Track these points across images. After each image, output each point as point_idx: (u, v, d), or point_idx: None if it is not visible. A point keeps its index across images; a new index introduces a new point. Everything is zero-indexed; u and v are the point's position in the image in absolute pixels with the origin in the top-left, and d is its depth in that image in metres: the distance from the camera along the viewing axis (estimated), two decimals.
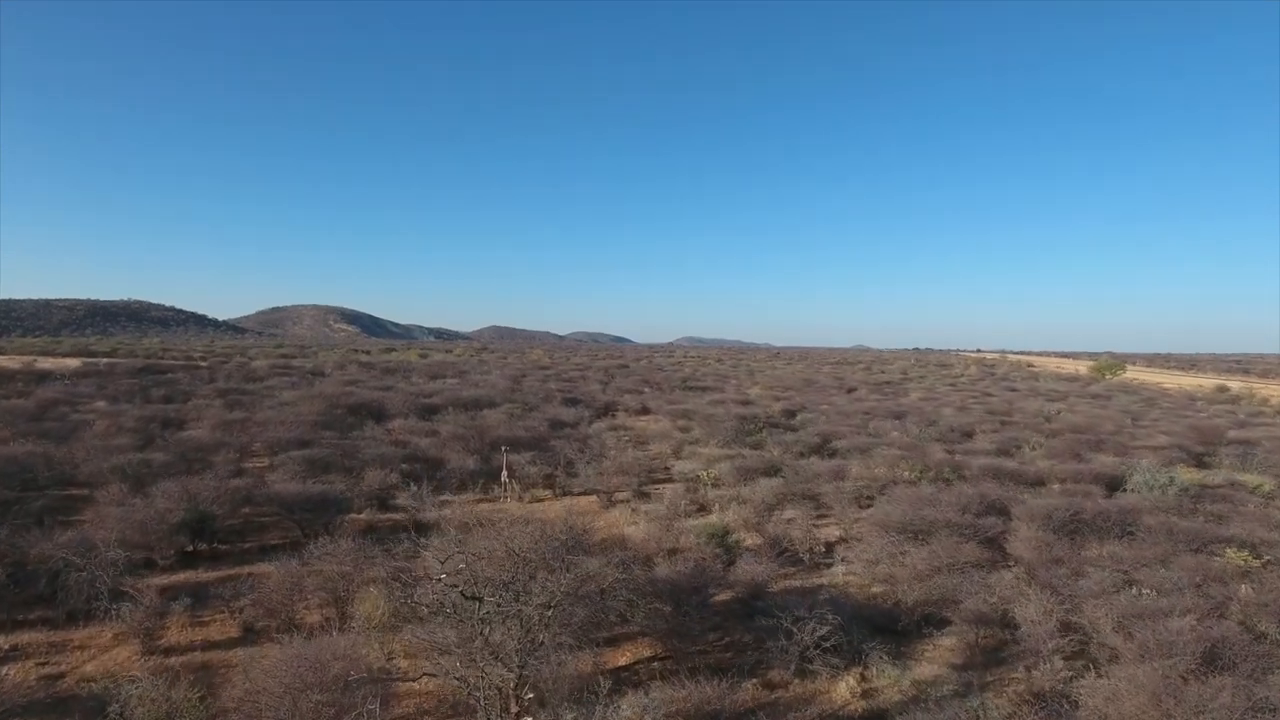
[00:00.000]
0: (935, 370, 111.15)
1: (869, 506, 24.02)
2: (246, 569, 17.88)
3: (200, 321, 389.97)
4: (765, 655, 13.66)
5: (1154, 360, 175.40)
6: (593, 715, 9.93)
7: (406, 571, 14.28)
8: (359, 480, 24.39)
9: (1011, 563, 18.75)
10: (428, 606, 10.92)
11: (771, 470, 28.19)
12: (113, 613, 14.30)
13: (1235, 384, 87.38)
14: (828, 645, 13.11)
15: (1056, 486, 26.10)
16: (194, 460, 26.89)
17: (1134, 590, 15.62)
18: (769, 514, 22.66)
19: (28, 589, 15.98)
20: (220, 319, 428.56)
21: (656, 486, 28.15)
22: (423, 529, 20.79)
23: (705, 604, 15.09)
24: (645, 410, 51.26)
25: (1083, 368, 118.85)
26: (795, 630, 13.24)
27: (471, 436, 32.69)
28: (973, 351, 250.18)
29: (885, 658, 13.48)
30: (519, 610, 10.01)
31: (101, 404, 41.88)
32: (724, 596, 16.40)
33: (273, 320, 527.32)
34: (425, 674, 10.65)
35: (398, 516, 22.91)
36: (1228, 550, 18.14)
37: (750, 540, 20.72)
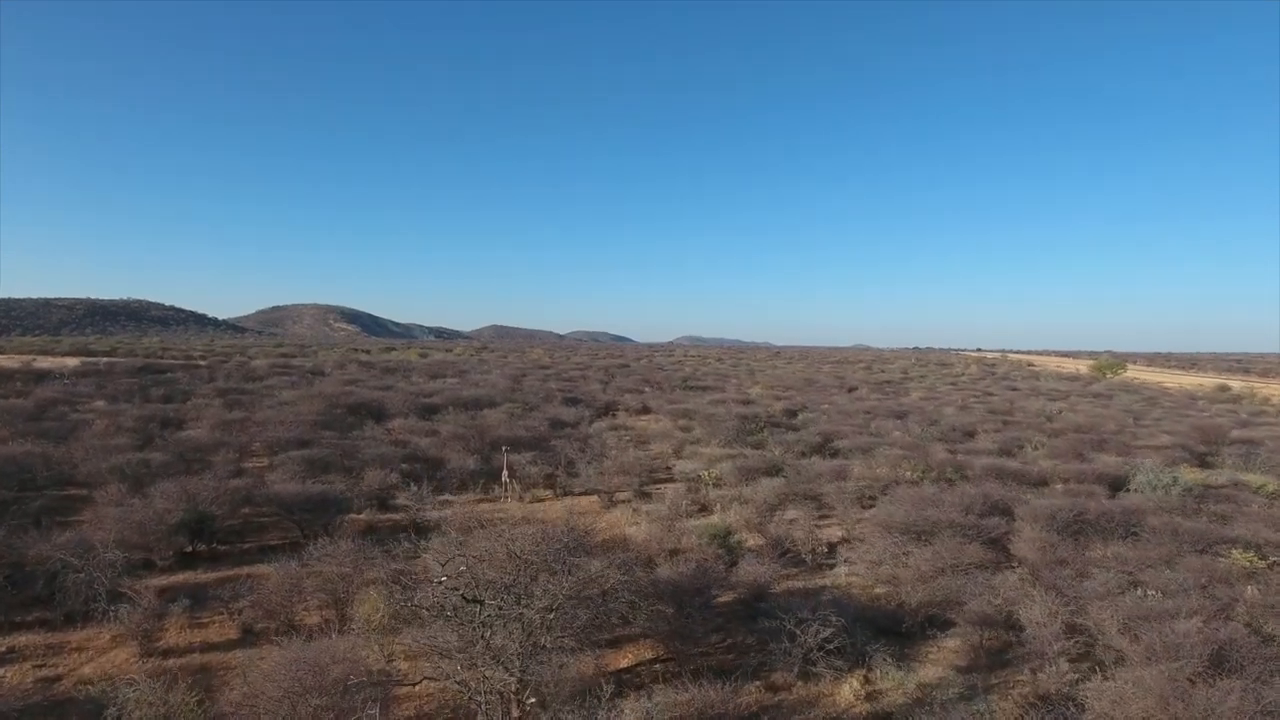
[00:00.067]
0: (936, 369, 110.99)
1: (871, 507, 23.91)
2: (246, 570, 17.77)
3: (200, 321, 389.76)
4: (768, 657, 13.55)
5: (1154, 359, 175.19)
6: (595, 719, 9.83)
7: (407, 574, 14.15)
8: (359, 480, 24.27)
9: (1015, 564, 18.65)
10: (428, 610, 10.79)
11: (773, 470, 28.09)
12: (111, 614, 14.19)
13: (1236, 383, 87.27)
14: (831, 647, 13.01)
15: (1060, 486, 25.99)
16: (193, 460, 26.79)
17: (1139, 592, 15.52)
18: (771, 514, 22.55)
19: (25, 590, 15.88)
20: (220, 318, 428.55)
21: (658, 486, 28.04)
22: (423, 530, 20.68)
23: (708, 605, 14.97)
24: (646, 410, 51.14)
25: (1083, 367, 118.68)
26: (799, 632, 13.14)
27: (472, 436, 32.57)
28: (973, 351, 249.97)
29: (889, 660, 13.37)
30: (520, 613, 9.89)
31: (100, 403, 41.76)
32: (726, 598, 16.29)
33: (273, 319, 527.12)
34: (426, 677, 10.54)
35: (398, 517, 22.81)
36: (1233, 551, 18.03)
37: (752, 541, 20.61)
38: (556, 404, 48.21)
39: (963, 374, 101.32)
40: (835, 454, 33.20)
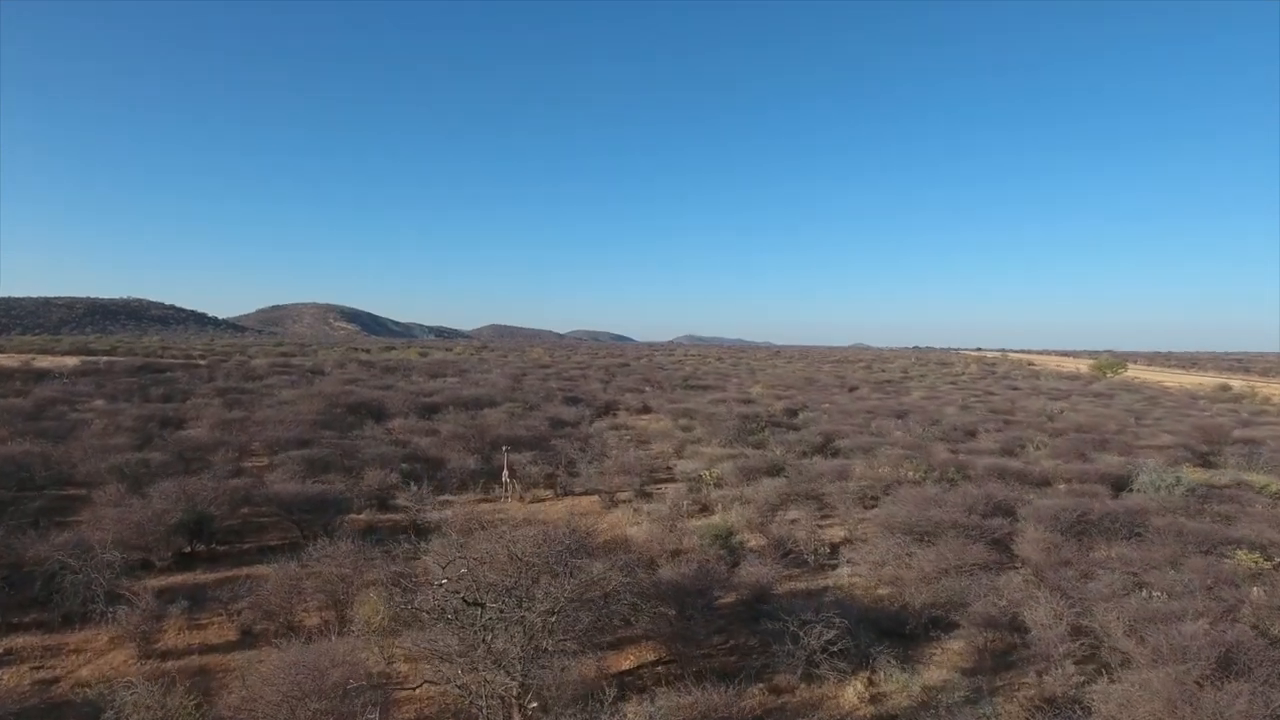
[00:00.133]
0: (936, 369, 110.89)
1: (873, 507, 23.81)
2: (245, 570, 17.65)
3: (200, 320, 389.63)
4: (771, 659, 13.43)
5: (1154, 358, 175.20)
6: None
7: (407, 576, 14.05)
8: (359, 480, 24.17)
9: (1019, 564, 18.54)
10: (429, 613, 10.68)
11: (774, 470, 27.96)
12: (109, 616, 14.07)
13: (1237, 382, 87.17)
14: (835, 649, 12.90)
15: (1062, 486, 25.88)
16: (192, 460, 26.68)
17: (1144, 593, 15.41)
18: (772, 514, 22.44)
19: (23, 591, 15.77)
20: (220, 317, 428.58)
21: (659, 486, 27.93)
22: (423, 532, 20.56)
23: (710, 607, 14.86)
24: (646, 409, 51.03)
25: (1083, 366, 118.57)
26: (802, 634, 13.03)
27: (472, 436, 32.46)
28: (973, 350, 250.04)
29: (893, 662, 13.25)
30: (522, 617, 9.78)
31: (100, 403, 41.65)
32: (729, 599, 16.18)
33: (272, 318, 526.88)
34: (426, 681, 10.43)
35: (398, 517, 22.70)
36: (1238, 552, 17.93)
37: (754, 541, 20.51)
38: (557, 403, 48.10)
39: (963, 373, 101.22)
40: (836, 454, 33.09)
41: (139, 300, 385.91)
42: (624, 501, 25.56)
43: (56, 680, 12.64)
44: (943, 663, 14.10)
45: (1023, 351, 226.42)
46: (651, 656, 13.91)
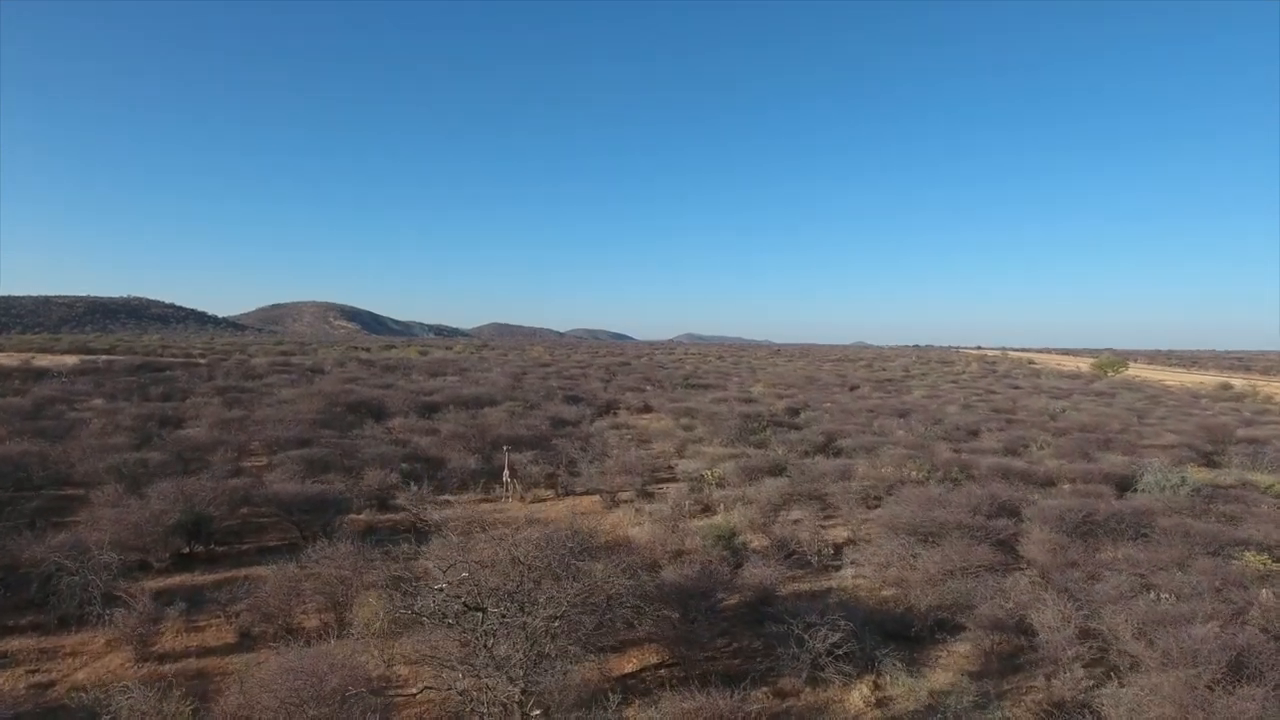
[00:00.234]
0: (937, 367, 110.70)
1: (877, 507, 23.64)
2: (244, 571, 17.51)
3: (200, 318, 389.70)
4: (776, 662, 13.28)
5: (1155, 357, 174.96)
6: None
7: (407, 580, 13.88)
8: (358, 480, 24.01)
9: (1024, 565, 18.38)
10: (429, 617, 10.51)
11: (776, 469, 27.81)
12: (105, 618, 13.91)
13: (1238, 381, 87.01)
14: (840, 652, 12.75)
15: (1067, 486, 25.72)
16: (191, 459, 26.52)
17: (1152, 595, 15.25)
18: (775, 514, 22.29)
19: (19, 593, 15.62)
20: (220, 316, 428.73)
21: (660, 486, 27.77)
22: (423, 534, 20.38)
23: (713, 609, 14.71)
24: (647, 408, 50.88)
25: (1084, 365, 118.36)
26: (807, 637, 12.88)
27: (472, 435, 32.29)
28: (973, 348, 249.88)
29: (899, 665, 13.11)
30: (524, 622, 9.62)
31: (99, 402, 41.48)
32: (732, 601, 16.02)
33: (273, 317, 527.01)
34: (426, 687, 10.27)
35: (398, 517, 22.55)
36: (1246, 553, 17.77)
37: (757, 542, 20.36)
38: (557, 402, 47.92)
39: (964, 372, 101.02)
40: (839, 453, 32.92)
41: (139, 299, 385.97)
42: (625, 501, 25.41)
43: (52, 684, 12.49)
44: (949, 666, 13.94)
45: (1023, 350, 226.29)
46: (654, 659, 13.76)
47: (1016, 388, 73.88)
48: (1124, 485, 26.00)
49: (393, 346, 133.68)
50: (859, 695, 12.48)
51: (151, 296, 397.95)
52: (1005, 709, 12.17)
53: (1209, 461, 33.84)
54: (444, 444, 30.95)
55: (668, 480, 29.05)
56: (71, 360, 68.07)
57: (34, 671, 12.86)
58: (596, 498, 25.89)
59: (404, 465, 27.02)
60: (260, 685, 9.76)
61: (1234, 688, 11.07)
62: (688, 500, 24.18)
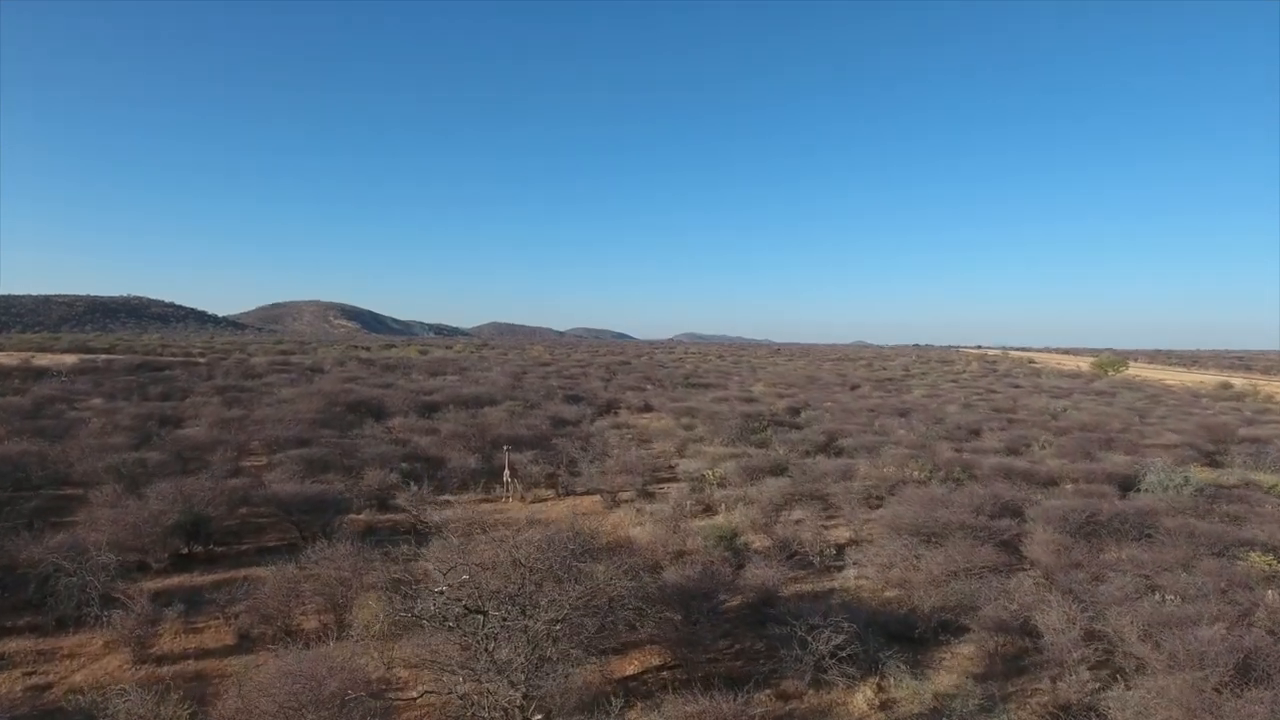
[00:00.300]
0: (937, 367, 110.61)
1: (879, 507, 23.55)
2: (243, 572, 17.40)
3: (200, 317, 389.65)
4: (779, 664, 13.18)
5: (1155, 356, 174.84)
6: None
7: (407, 582, 13.78)
8: (358, 480, 23.91)
9: (1028, 566, 18.28)
10: (429, 620, 10.41)
11: (778, 469, 27.71)
12: (103, 619, 13.81)
13: (1238, 380, 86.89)
14: (843, 654, 12.64)
15: (1069, 486, 25.62)
16: (190, 459, 26.42)
17: (1157, 596, 15.15)
18: (776, 515, 22.19)
19: (17, 594, 15.52)
20: (220, 315, 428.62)
21: (661, 486, 27.68)
22: (423, 536, 20.27)
23: (716, 611, 14.61)
24: (648, 408, 50.75)
25: (1084, 364, 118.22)
26: (810, 639, 12.77)
27: (472, 435, 32.19)
28: (973, 348, 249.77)
29: (903, 667, 13.00)
30: (526, 625, 9.51)
31: (98, 401, 41.37)
32: (734, 602, 15.91)
33: (272, 316, 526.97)
34: (426, 691, 10.17)
35: (398, 517, 22.44)
36: (1251, 554, 17.67)
37: (758, 542, 20.25)
38: (557, 402, 47.82)
39: (964, 371, 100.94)
40: (840, 453, 32.82)
41: (139, 298, 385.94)
42: (626, 501, 25.31)
43: (49, 686, 12.38)
44: (953, 668, 13.84)
45: (1023, 349, 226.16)
46: (656, 661, 13.65)
47: (1017, 387, 73.78)
48: (1127, 485, 25.90)
49: (393, 346, 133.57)
50: (863, 698, 12.37)
51: (151, 296, 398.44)
52: (1010, 712, 12.06)
53: (1211, 461, 33.74)
54: (444, 444, 30.84)
55: (669, 480, 28.95)
56: (71, 359, 67.95)
57: (31, 673, 12.76)
58: (597, 498, 25.79)
59: (404, 465, 26.92)
60: (259, 689, 9.65)
61: (1242, 691, 10.97)
62: (689, 500, 24.08)
